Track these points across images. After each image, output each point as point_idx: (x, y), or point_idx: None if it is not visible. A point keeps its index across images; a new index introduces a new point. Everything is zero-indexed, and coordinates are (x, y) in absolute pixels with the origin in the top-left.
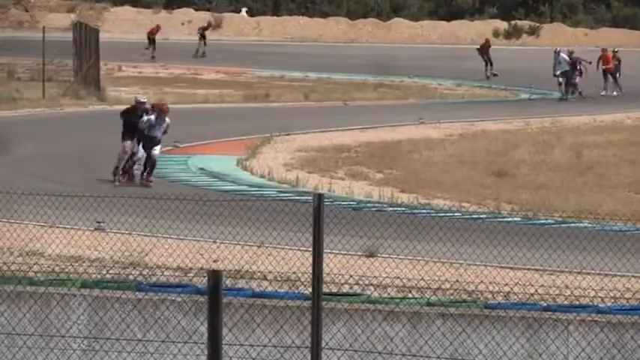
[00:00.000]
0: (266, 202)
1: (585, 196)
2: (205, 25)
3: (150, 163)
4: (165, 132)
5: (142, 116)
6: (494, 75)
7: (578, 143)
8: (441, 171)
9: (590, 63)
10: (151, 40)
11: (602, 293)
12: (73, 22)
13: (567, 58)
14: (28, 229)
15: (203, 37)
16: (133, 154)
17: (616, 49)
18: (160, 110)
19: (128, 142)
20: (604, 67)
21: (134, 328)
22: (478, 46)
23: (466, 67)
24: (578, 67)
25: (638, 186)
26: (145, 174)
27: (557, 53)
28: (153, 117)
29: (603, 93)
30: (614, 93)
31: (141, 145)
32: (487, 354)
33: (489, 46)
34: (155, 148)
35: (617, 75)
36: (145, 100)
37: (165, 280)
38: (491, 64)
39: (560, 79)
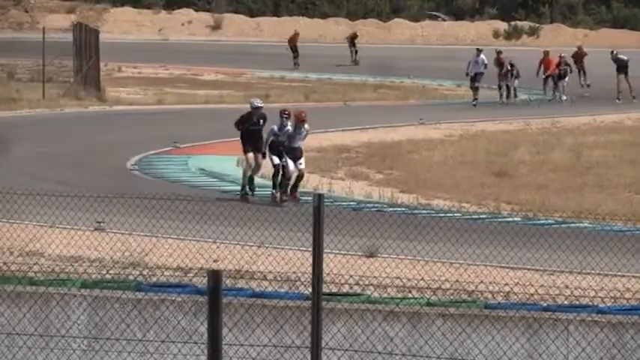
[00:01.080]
0: (266, 202)
1: (585, 196)
2: (352, 33)
3: (296, 177)
4: (303, 138)
5: (258, 122)
6: (588, 86)
7: (578, 144)
8: (441, 171)
9: (516, 74)
10: (292, 48)
11: (602, 293)
12: (73, 23)
13: (485, 60)
14: (28, 229)
15: (353, 45)
16: (284, 169)
17: (562, 54)
18: (297, 119)
19: (250, 154)
20: (546, 74)
21: (134, 328)
22: (572, 54)
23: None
24: (511, 69)
25: (638, 186)
26: (278, 190)
27: (478, 51)
28: (290, 127)
29: (550, 98)
30: (564, 97)
31: (284, 158)
32: (487, 354)
33: (584, 55)
34: (301, 162)
35: (564, 80)
36: (262, 105)
37: (165, 280)
38: (584, 73)
39: (477, 84)
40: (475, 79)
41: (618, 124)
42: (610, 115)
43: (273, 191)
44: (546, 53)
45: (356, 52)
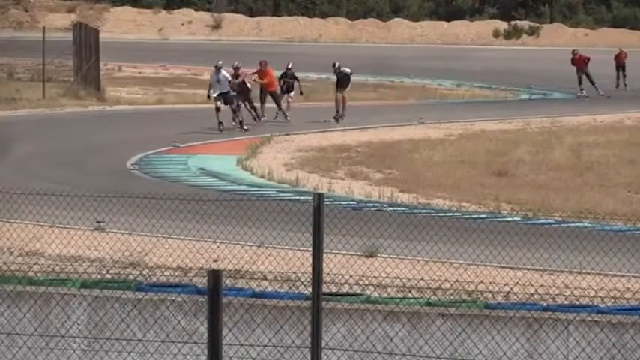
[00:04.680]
0: (266, 202)
1: (585, 196)
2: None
3: None
4: None
5: None
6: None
7: (578, 143)
8: (441, 171)
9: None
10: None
11: (602, 293)
12: (73, 22)
13: (229, 76)
14: (28, 229)
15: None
16: None
17: (289, 64)
18: None
19: None
20: (269, 89)
21: (134, 328)
22: (614, 56)
23: (467, 67)
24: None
25: (638, 186)
26: None
27: (217, 69)
28: None
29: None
30: (287, 115)
31: None
32: (487, 354)
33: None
34: None
35: (290, 94)
36: None
37: (165, 280)
38: (624, 76)
39: (219, 103)
40: (226, 98)
41: (618, 123)
42: (610, 114)
43: None
44: (263, 64)
45: (624, 75)
